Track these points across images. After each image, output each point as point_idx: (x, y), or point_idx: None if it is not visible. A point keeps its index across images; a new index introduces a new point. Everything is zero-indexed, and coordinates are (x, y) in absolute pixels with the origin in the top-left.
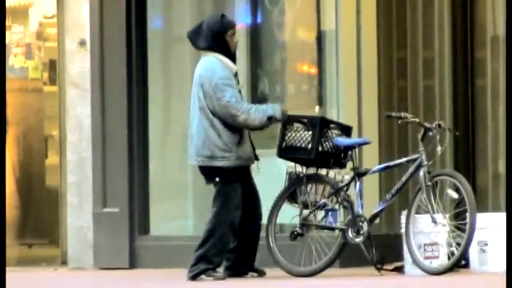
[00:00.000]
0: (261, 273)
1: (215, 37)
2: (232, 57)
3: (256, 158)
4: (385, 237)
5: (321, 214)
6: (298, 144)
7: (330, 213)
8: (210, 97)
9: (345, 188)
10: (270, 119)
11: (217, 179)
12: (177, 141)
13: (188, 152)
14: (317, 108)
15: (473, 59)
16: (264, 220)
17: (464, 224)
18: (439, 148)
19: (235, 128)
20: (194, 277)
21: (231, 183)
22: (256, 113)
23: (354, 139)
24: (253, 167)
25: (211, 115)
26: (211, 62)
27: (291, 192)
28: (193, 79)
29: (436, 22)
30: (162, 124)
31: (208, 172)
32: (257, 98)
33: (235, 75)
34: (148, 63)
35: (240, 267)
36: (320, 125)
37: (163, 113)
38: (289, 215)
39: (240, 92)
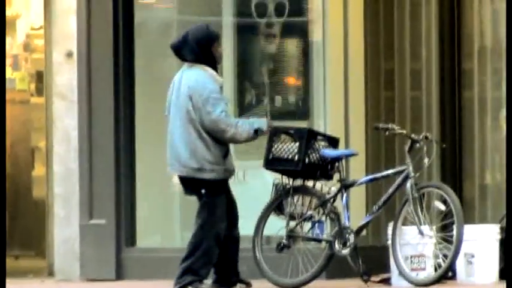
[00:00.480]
0: (247, 284)
1: (202, 49)
2: (216, 69)
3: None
4: (372, 249)
5: (307, 226)
6: (285, 156)
7: (316, 225)
8: (199, 110)
9: (332, 199)
10: (257, 132)
11: (203, 191)
12: (165, 154)
13: (168, 161)
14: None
15: (461, 70)
16: (251, 231)
17: (451, 236)
18: (426, 160)
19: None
20: None
21: (217, 196)
22: (243, 127)
23: (341, 150)
24: (240, 178)
25: (200, 128)
26: (200, 75)
27: (278, 204)
28: (176, 89)
29: (423, 33)
30: (149, 136)
31: (192, 184)
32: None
33: (221, 88)
34: (135, 75)
35: (227, 277)
36: (307, 137)
37: (150, 125)
38: (276, 226)
39: (226, 104)
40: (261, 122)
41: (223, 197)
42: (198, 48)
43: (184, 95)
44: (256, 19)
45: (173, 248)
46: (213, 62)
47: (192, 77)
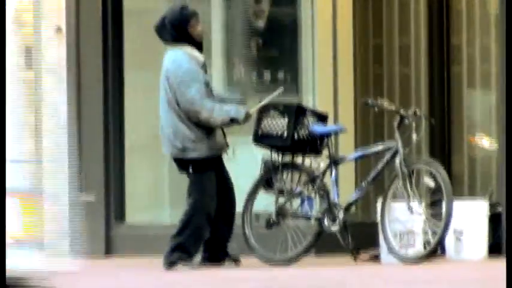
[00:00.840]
0: (236, 261)
1: (177, 30)
2: (199, 47)
3: (227, 146)
4: (361, 225)
5: (296, 202)
6: (274, 132)
7: (305, 201)
8: (175, 91)
9: (321, 176)
10: (232, 121)
11: (190, 170)
12: (153, 130)
13: (162, 142)
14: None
15: (449, 45)
16: (240, 208)
17: (440, 213)
18: (414, 136)
19: None
20: (170, 265)
21: (205, 173)
22: (219, 112)
23: (330, 126)
24: (229, 154)
25: (177, 108)
26: (178, 55)
27: (267, 180)
28: (161, 72)
29: (411, 8)
30: (138, 112)
31: (181, 163)
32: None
33: (203, 65)
34: (124, 49)
35: (216, 254)
36: (296, 113)
37: (140, 101)
38: (265, 203)
39: (207, 84)
40: (239, 112)
41: (212, 175)
42: (174, 30)
43: (163, 76)
44: None
45: (162, 224)
46: (193, 41)
47: (169, 58)
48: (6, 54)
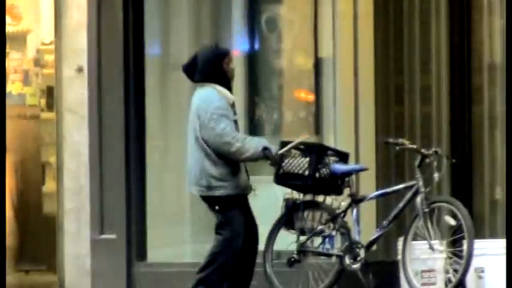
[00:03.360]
0: None
1: (212, 67)
2: (229, 86)
3: (251, 188)
4: (382, 264)
5: (318, 240)
6: (296, 171)
7: (327, 239)
8: (205, 127)
9: (342, 214)
10: (265, 150)
11: (216, 208)
12: (175, 168)
13: (187, 180)
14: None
15: (471, 85)
16: (261, 246)
17: (461, 251)
18: (436, 175)
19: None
20: None
21: (232, 210)
22: (251, 142)
23: (351, 165)
24: (251, 193)
25: (205, 146)
26: (208, 93)
27: (288, 219)
28: (190, 110)
29: (433, 48)
30: (159, 151)
31: (208, 201)
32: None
33: (232, 105)
34: (145, 90)
35: None
36: (317, 152)
37: (160, 140)
38: (287, 241)
39: (236, 122)
40: (270, 144)
41: (239, 213)
42: (208, 68)
43: (193, 114)
44: (266, 34)
45: (184, 262)
46: (225, 79)
47: (200, 96)
48: (5, 54)
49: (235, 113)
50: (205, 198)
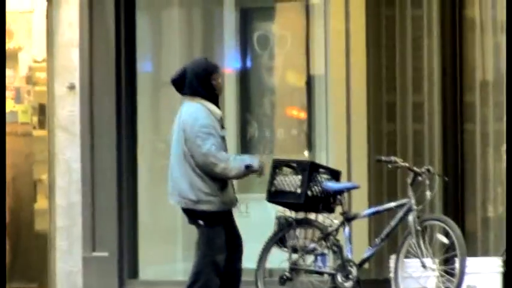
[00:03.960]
0: None
1: (200, 81)
2: (216, 101)
3: (236, 200)
4: (374, 282)
5: (310, 258)
6: (287, 189)
7: (319, 257)
8: (191, 143)
9: (334, 232)
10: (247, 168)
11: (201, 222)
12: (166, 185)
13: (169, 191)
14: (306, 152)
15: (463, 103)
16: (253, 264)
17: (454, 269)
18: (428, 193)
19: None
20: None
21: (214, 227)
22: (234, 162)
23: (343, 183)
24: (242, 210)
25: (192, 161)
26: (195, 108)
27: (280, 237)
28: (176, 123)
29: (425, 66)
30: (151, 168)
31: (192, 215)
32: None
33: (220, 120)
34: (137, 108)
35: None
36: (309, 170)
37: (152, 158)
38: (279, 259)
39: (223, 138)
40: (253, 160)
41: (221, 229)
42: (197, 81)
43: (179, 129)
44: (258, 51)
45: (175, 280)
46: (213, 94)
47: (187, 111)
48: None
49: (222, 127)
50: (188, 212)
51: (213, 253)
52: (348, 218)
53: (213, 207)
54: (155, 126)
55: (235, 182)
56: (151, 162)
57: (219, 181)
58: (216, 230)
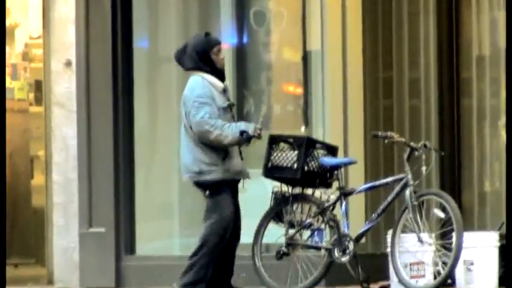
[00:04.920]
0: None
1: (200, 56)
2: (221, 75)
3: (247, 175)
4: (371, 256)
5: (307, 234)
6: (284, 164)
7: (316, 232)
8: (188, 115)
9: (331, 207)
10: (243, 134)
11: (207, 192)
12: (163, 161)
13: (181, 168)
14: (303, 128)
15: (459, 78)
16: (250, 239)
17: (451, 243)
18: (424, 168)
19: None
20: (183, 287)
21: (221, 195)
22: (228, 129)
23: (340, 159)
24: (239, 186)
25: (192, 133)
26: (194, 81)
27: (277, 212)
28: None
29: (421, 42)
30: (148, 144)
31: (200, 186)
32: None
33: (224, 91)
34: (134, 84)
35: (219, 285)
36: (306, 145)
37: (149, 133)
38: (275, 234)
39: (227, 109)
40: (249, 126)
41: (228, 198)
42: (197, 56)
43: (182, 103)
44: (255, 27)
45: (172, 255)
46: (214, 68)
47: (187, 86)
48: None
49: (228, 99)
50: (197, 184)
51: (221, 221)
52: (344, 193)
53: (216, 177)
54: (152, 101)
55: None
56: (148, 137)
57: (221, 151)
58: (222, 198)
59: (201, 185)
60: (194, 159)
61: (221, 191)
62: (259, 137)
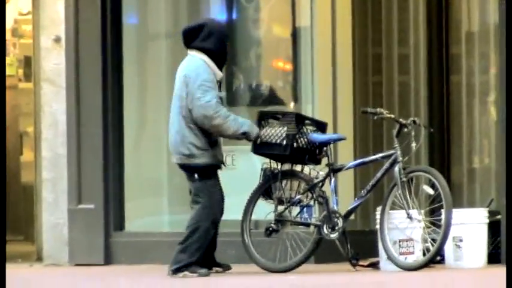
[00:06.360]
0: (225, 268)
1: (216, 40)
2: (222, 64)
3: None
4: (360, 233)
5: (296, 210)
6: (273, 140)
7: (305, 209)
8: (192, 97)
9: (320, 184)
10: (244, 134)
11: (196, 176)
12: (152, 138)
13: (170, 150)
14: (292, 104)
15: (448, 55)
16: (239, 216)
17: (440, 220)
18: (414, 144)
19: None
20: (176, 271)
21: (210, 179)
22: (233, 122)
23: (329, 135)
24: (227, 162)
25: (188, 115)
26: (199, 64)
27: (266, 189)
28: (175, 77)
29: (411, 18)
30: (137, 121)
31: (187, 170)
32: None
33: (220, 83)
34: (123, 60)
35: (204, 262)
36: (295, 121)
37: (138, 110)
38: (265, 211)
39: (221, 99)
40: (253, 128)
41: (217, 182)
42: (216, 40)
43: (180, 83)
44: (244, 3)
45: (161, 232)
46: (220, 57)
47: (190, 65)
48: (5, 55)
49: (220, 90)
50: (184, 167)
51: (212, 206)
52: (333, 170)
53: (206, 161)
54: (141, 78)
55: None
56: (138, 114)
57: (212, 137)
58: (213, 183)
59: (190, 168)
60: (183, 141)
61: (210, 175)
62: (254, 140)
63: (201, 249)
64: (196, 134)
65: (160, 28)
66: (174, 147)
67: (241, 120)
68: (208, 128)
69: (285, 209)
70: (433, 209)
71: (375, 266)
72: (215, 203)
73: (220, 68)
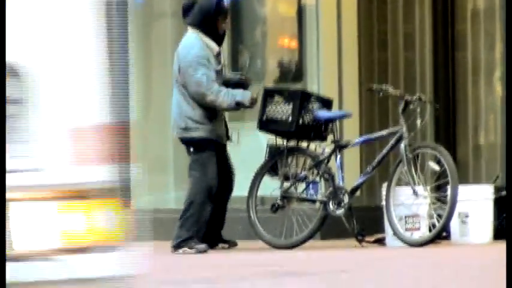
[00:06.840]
0: (232, 244)
1: (204, 18)
2: (219, 38)
3: (228, 138)
4: (366, 209)
5: (302, 186)
6: (279, 117)
7: (310, 185)
8: (184, 72)
9: (326, 160)
10: (238, 105)
11: (191, 149)
12: (158, 115)
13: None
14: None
15: (454, 32)
16: (245, 192)
17: (445, 196)
18: (419, 121)
19: None
20: (176, 247)
21: (205, 152)
22: (225, 97)
23: (335, 112)
24: (234, 139)
25: (183, 89)
26: (191, 39)
27: (272, 165)
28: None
29: None
30: (143, 98)
31: (185, 142)
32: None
33: (217, 55)
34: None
35: (210, 239)
36: (301, 98)
37: (144, 88)
38: (270, 187)
39: (221, 72)
40: (245, 95)
41: (213, 156)
42: (201, 17)
43: (175, 58)
44: None
45: (167, 208)
46: (214, 32)
47: (183, 42)
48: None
49: (219, 63)
50: (182, 140)
51: (205, 179)
52: (339, 146)
53: (202, 134)
54: (147, 56)
55: (227, 112)
56: (143, 92)
57: (208, 110)
58: (208, 156)
59: (186, 141)
60: (181, 114)
61: (205, 149)
62: (252, 106)
63: (199, 223)
64: (193, 108)
65: (166, 7)
66: (174, 121)
67: (233, 92)
68: (204, 103)
69: (291, 185)
70: (439, 185)
71: (380, 242)
72: (208, 177)
73: (219, 43)
